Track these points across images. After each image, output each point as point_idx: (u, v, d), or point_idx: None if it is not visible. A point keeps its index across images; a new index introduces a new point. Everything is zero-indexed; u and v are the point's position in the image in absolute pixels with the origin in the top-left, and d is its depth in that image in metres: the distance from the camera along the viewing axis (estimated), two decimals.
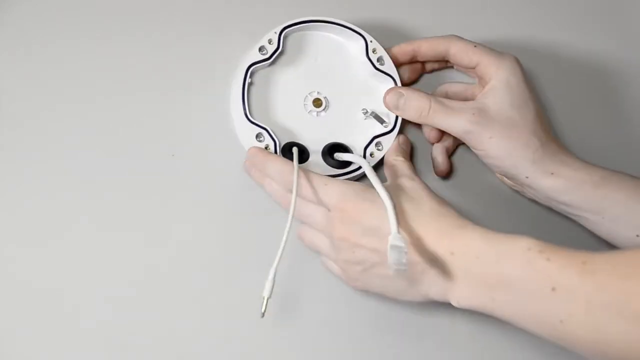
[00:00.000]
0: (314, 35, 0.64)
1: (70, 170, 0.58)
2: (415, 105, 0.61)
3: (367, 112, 0.63)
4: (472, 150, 0.62)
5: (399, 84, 0.63)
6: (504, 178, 0.64)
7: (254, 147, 0.60)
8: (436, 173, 0.65)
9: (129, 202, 0.59)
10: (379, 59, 0.63)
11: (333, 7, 0.65)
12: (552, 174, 0.60)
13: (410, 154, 0.64)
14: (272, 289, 0.54)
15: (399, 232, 0.52)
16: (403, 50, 0.64)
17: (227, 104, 0.61)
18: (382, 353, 0.61)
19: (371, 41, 0.63)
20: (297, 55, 0.63)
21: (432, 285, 0.54)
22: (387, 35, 0.65)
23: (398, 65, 0.64)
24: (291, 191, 0.56)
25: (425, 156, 0.66)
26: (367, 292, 0.59)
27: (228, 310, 0.59)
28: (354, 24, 0.63)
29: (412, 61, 0.65)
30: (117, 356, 0.57)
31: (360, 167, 0.61)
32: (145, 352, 0.58)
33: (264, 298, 0.54)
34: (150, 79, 0.61)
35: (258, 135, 0.60)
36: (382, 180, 0.58)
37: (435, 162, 0.65)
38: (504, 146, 0.59)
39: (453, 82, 0.66)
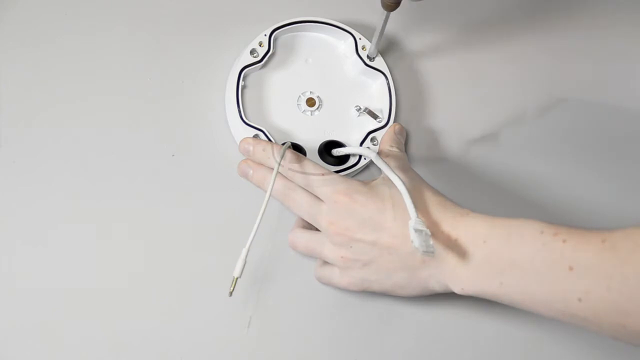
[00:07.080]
0: (304, 36, 0.64)
1: (70, 170, 0.58)
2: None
3: (360, 108, 0.64)
4: None
5: (390, 79, 0.64)
6: None
7: (245, 138, 0.59)
8: None
9: (129, 201, 0.59)
10: (369, 55, 0.64)
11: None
12: None
13: (404, 143, 0.64)
14: (243, 269, 0.54)
15: (418, 216, 0.51)
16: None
17: (224, 106, 0.62)
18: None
19: (360, 38, 0.64)
20: (288, 56, 0.64)
21: (433, 274, 0.53)
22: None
23: None
24: (291, 181, 0.56)
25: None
26: (367, 294, 0.58)
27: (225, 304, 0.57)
28: (342, 23, 0.64)
29: None
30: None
31: (356, 164, 0.62)
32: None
33: (234, 278, 0.54)
34: (151, 80, 0.61)
35: (254, 137, 0.60)
36: (376, 175, 0.58)
37: None
38: None
39: None
